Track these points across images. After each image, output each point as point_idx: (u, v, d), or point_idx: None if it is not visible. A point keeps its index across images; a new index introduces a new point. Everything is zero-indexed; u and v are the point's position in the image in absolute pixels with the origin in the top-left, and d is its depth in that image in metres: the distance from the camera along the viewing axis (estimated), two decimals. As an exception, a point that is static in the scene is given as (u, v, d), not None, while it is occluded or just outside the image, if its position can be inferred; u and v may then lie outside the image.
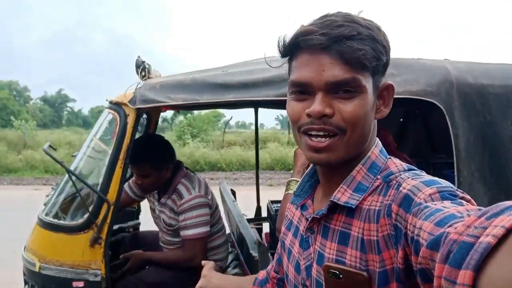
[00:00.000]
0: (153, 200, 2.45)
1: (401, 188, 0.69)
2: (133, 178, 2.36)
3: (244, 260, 2.28)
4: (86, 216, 1.91)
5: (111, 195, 1.91)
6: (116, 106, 1.97)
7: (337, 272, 0.74)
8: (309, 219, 0.83)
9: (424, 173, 0.74)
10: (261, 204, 3.55)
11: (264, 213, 3.40)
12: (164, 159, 2.26)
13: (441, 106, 1.88)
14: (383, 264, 0.70)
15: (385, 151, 0.83)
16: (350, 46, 0.70)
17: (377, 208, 0.73)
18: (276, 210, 2.78)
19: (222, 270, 2.42)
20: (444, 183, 0.67)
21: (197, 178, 2.38)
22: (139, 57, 2.03)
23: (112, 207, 1.90)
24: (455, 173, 1.85)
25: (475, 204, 0.62)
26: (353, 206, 0.75)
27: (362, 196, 0.76)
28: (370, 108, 0.75)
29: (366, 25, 0.73)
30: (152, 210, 2.48)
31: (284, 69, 1.97)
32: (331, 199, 0.78)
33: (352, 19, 0.72)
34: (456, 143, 1.86)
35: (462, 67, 1.96)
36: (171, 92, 1.93)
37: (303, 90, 0.76)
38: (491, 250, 0.39)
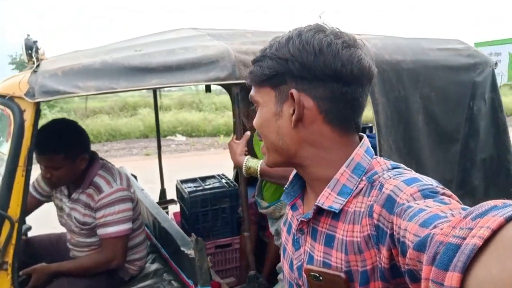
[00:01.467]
0: (61, 196, 2.12)
1: (383, 189, 0.70)
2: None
3: (171, 256, 2.12)
4: (-19, 239, 1.53)
5: (14, 211, 1.55)
6: (7, 100, 1.56)
7: (317, 275, 0.76)
8: (299, 220, 0.84)
9: (407, 171, 0.75)
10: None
11: (170, 195, 3.22)
12: (79, 147, 1.96)
13: (364, 84, 1.94)
14: (365, 264, 0.72)
15: (371, 150, 0.81)
16: (250, 71, 0.84)
17: (361, 210, 0.73)
18: (190, 192, 2.64)
19: (141, 269, 2.23)
20: (425, 180, 0.68)
21: (117, 170, 2.11)
22: (29, 36, 1.62)
23: (16, 225, 1.55)
24: (377, 148, 1.96)
25: (456, 198, 0.63)
26: (336, 211, 0.76)
27: (347, 199, 0.76)
28: (268, 119, 0.81)
29: (272, 43, 0.79)
30: (60, 209, 2.13)
31: (210, 50, 1.79)
32: (315, 204, 0.79)
33: (271, 43, 0.80)
34: (377, 119, 1.95)
35: (378, 44, 2.04)
36: (79, 80, 1.60)
37: None
38: (478, 252, 0.40)
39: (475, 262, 0.40)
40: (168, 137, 12.48)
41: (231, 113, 13.78)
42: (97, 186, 2.00)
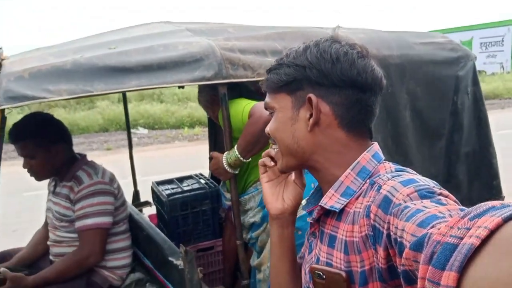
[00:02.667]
0: (49, 196, 2.11)
1: (381, 190, 0.71)
2: None
3: (156, 265, 1.99)
4: None
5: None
6: (-35, 107, 1.36)
7: (321, 273, 0.79)
8: (309, 223, 0.88)
9: (406, 173, 0.76)
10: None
11: (144, 197, 3.06)
12: (51, 136, 1.95)
13: (353, 80, 1.87)
14: (363, 264, 0.73)
15: (379, 155, 0.84)
16: (266, 78, 0.88)
17: (360, 210, 0.75)
18: (169, 195, 2.50)
19: (122, 280, 2.09)
20: (422, 180, 0.69)
21: (102, 168, 2.08)
22: (-14, 33, 1.43)
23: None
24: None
25: (453, 198, 0.64)
26: (337, 210, 0.79)
27: (348, 200, 0.79)
28: (284, 123, 0.84)
29: (288, 53, 0.84)
30: (47, 209, 2.12)
31: (193, 47, 1.66)
32: (319, 204, 0.82)
33: (288, 51, 0.85)
34: (367, 116, 1.89)
35: (364, 38, 1.97)
36: (49, 83, 1.43)
37: None
38: (475, 251, 0.40)
39: (472, 262, 0.40)
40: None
41: (194, 104, 13.41)
42: (78, 179, 1.98)
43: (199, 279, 1.68)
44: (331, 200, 0.80)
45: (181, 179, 2.75)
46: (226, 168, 1.72)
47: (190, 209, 2.49)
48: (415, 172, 0.76)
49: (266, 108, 0.90)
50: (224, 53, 1.63)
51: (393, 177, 0.73)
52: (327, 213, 0.83)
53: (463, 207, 0.57)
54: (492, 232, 0.40)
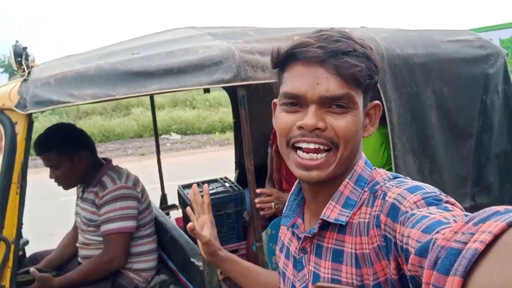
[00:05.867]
0: (77, 201, 2.19)
1: (387, 198, 0.70)
2: None
3: (178, 267, 2.02)
4: (-25, 264, 1.42)
5: (9, 231, 1.44)
6: (-4, 112, 1.44)
7: None
8: (301, 238, 0.83)
9: (408, 180, 0.75)
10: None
11: (170, 200, 3.11)
12: (72, 145, 2.01)
13: (375, 81, 1.84)
14: (376, 277, 0.71)
15: (369, 162, 0.82)
16: (346, 62, 0.70)
17: (366, 220, 0.73)
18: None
19: (147, 282, 2.13)
20: (428, 188, 0.68)
21: (126, 172, 2.12)
22: (17, 42, 1.50)
23: (12, 246, 1.44)
24: (391, 147, 1.87)
25: (460, 206, 0.63)
26: (344, 223, 0.75)
27: (352, 212, 0.76)
28: (360, 125, 0.76)
29: (360, 43, 0.74)
30: (76, 213, 2.20)
31: (212, 50, 1.67)
32: (320, 217, 0.78)
33: (348, 36, 0.73)
34: (390, 117, 1.86)
35: (388, 37, 1.94)
36: (74, 88, 1.49)
37: (295, 102, 0.75)
38: (479, 256, 0.39)
39: (476, 267, 0.39)
40: (163, 136, 12.34)
41: (225, 109, 13.59)
42: (102, 184, 2.02)
43: (219, 280, 1.70)
44: (333, 212, 0.77)
45: (206, 183, 2.77)
46: None
47: (214, 212, 2.50)
48: (410, 179, 0.76)
49: (337, 97, 0.73)
50: (243, 55, 1.65)
51: (397, 184, 0.72)
52: (323, 226, 0.79)
53: (469, 213, 0.56)
54: (496, 237, 0.39)
